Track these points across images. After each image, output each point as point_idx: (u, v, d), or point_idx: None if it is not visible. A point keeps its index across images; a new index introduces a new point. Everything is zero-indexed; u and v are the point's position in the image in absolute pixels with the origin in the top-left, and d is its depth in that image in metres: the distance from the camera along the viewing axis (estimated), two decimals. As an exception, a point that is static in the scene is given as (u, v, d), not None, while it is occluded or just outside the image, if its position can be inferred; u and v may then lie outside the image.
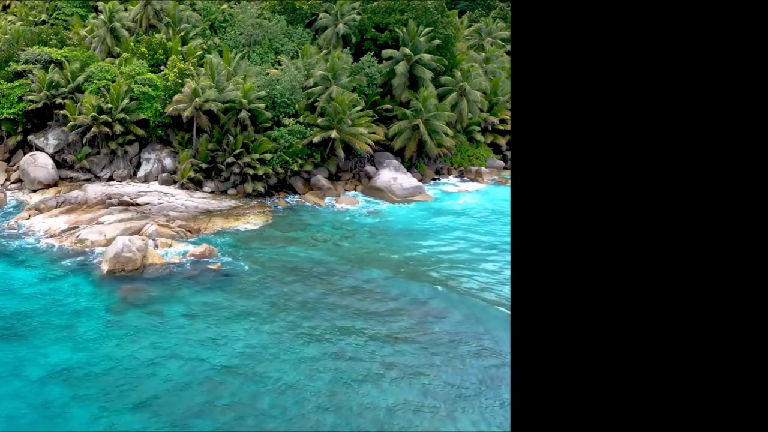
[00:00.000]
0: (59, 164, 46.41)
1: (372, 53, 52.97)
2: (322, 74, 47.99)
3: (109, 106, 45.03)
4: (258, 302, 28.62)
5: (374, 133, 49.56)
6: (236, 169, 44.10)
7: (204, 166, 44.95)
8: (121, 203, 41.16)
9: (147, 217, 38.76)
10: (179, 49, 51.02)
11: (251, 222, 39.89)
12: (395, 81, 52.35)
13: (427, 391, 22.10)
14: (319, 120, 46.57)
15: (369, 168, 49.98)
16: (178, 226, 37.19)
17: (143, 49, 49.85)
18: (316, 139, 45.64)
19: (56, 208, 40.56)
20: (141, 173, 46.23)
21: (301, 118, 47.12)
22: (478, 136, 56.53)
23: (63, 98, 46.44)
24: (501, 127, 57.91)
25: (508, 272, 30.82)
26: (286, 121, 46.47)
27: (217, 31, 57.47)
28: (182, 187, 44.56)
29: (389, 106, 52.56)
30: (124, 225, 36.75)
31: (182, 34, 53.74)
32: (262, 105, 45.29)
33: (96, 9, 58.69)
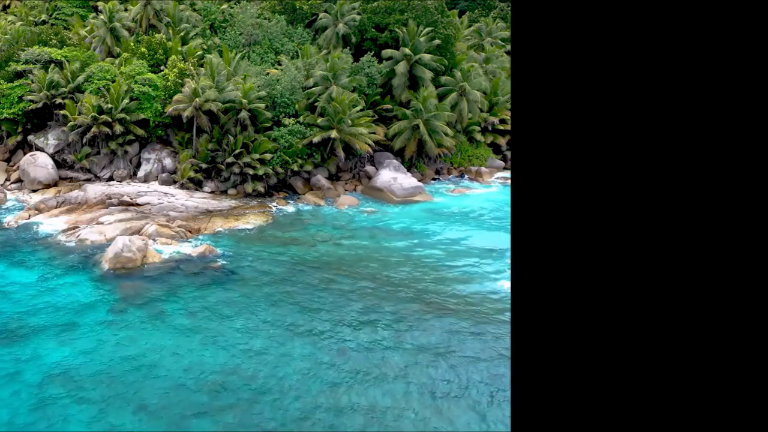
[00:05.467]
0: (59, 164, 46.42)
1: (372, 53, 52.98)
2: (322, 74, 47.99)
3: (109, 106, 45.04)
4: (258, 302, 28.61)
5: (374, 133, 49.57)
6: (236, 169, 44.10)
7: (204, 166, 44.96)
8: (121, 203, 41.16)
9: (147, 217, 38.76)
10: (179, 49, 51.03)
11: (251, 222, 39.89)
12: (395, 81, 52.37)
13: (429, 391, 22.09)
14: (319, 120, 46.58)
15: (369, 168, 49.98)
16: (178, 226, 37.19)
17: (143, 49, 49.86)
18: (316, 139, 45.66)
19: (56, 208, 40.58)
20: (141, 173, 46.23)
21: (301, 118, 47.13)
22: (478, 136, 56.54)
23: (63, 98, 46.46)
24: (501, 127, 57.92)
25: (507, 272, 30.82)
26: (286, 121, 46.49)
27: (217, 31, 57.48)
28: (182, 187, 44.56)
29: (389, 106, 52.58)
30: (124, 225, 36.75)
31: (182, 34, 53.75)
32: (262, 105, 45.30)
33: (96, 9, 58.71)
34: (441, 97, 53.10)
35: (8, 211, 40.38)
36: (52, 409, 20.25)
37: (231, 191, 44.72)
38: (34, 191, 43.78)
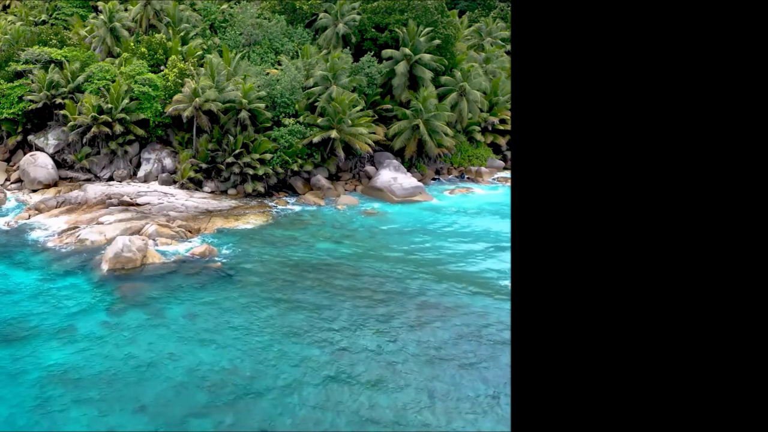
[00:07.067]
0: (59, 164, 46.43)
1: (372, 53, 53.01)
2: (322, 74, 48.00)
3: (109, 106, 45.05)
4: (258, 301, 28.61)
5: (374, 133, 49.59)
6: (236, 169, 44.11)
7: (204, 166, 44.97)
8: (121, 203, 41.16)
9: (147, 217, 38.76)
10: (179, 49, 51.05)
11: (251, 222, 39.89)
12: (395, 81, 52.39)
13: (428, 390, 22.09)
14: (319, 120, 46.59)
15: (369, 168, 50.00)
16: (178, 226, 37.19)
17: (143, 49, 49.87)
18: (316, 139, 45.67)
19: (56, 208, 40.58)
20: (141, 173, 46.24)
21: (301, 118, 47.14)
22: (478, 136, 56.58)
23: (63, 98, 46.47)
24: (501, 127, 57.97)
25: (507, 272, 30.82)
26: (286, 121, 46.50)
27: (217, 31, 57.51)
28: (182, 187, 44.57)
29: (389, 106, 52.60)
30: (124, 225, 36.75)
31: (182, 34, 53.76)
32: (262, 105, 45.31)
33: (96, 9, 58.74)
34: (441, 97, 53.12)
35: (8, 211, 40.38)
36: (52, 410, 20.25)
37: (231, 191, 44.73)
38: (34, 191, 43.79)
